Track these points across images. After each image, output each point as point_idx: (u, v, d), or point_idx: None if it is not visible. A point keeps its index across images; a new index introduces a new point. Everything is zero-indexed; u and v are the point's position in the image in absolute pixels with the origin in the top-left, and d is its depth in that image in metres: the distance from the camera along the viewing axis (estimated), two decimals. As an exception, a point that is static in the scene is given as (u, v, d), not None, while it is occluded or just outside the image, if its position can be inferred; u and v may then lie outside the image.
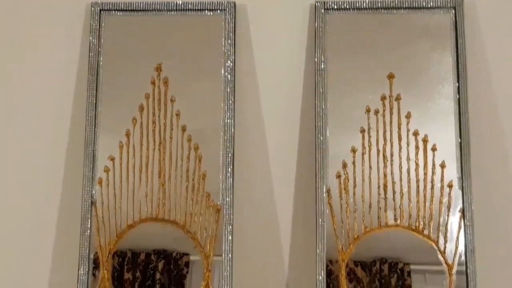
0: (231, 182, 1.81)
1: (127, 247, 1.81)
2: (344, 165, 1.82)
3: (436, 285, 1.78)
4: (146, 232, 1.82)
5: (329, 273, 1.77)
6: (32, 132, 1.92)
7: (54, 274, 1.87)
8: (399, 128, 1.83)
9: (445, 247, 1.78)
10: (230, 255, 1.78)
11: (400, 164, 1.81)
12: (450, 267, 1.77)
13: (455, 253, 1.77)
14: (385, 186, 1.81)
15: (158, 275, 1.80)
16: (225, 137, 1.83)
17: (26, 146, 1.92)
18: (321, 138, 1.82)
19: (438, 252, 1.78)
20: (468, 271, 1.75)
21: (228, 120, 1.84)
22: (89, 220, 1.81)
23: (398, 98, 1.83)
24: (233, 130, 1.84)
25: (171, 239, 1.82)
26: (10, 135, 1.93)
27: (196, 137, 1.84)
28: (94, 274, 1.79)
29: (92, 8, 1.90)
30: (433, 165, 1.81)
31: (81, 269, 1.78)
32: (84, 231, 1.80)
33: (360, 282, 1.78)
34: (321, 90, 1.83)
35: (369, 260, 1.79)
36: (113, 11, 1.90)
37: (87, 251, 1.79)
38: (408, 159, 1.82)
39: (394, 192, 1.80)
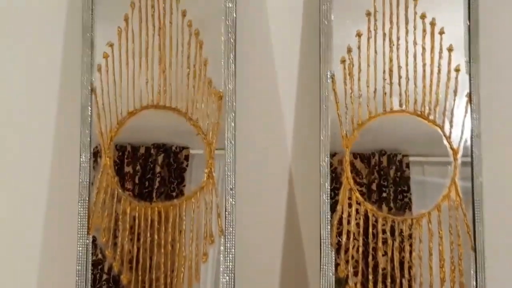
0: (233, 69, 1.77)
1: (128, 137, 1.79)
2: (349, 50, 1.77)
3: (434, 175, 1.76)
4: (147, 120, 1.79)
5: (330, 164, 1.76)
6: (27, 18, 1.87)
7: (55, 162, 1.86)
8: (406, 11, 1.77)
9: (450, 132, 1.75)
10: (233, 142, 1.76)
11: (407, 48, 1.76)
12: (455, 152, 1.75)
13: (461, 138, 1.75)
14: (390, 71, 1.76)
15: (158, 169, 1.79)
16: (227, 22, 1.78)
17: (23, 31, 1.87)
18: (326, 22, 1.76)
19: (443, 137, 1.75)
20: (473, 156, 1.74)
21: (230, 5, 1.78)
22: (89, 108, 1.78)
23: (405, -20, 1.77)
24: (234, 15, 1.78)
25: (172, 130, 1.79)
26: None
27: (197, 22, 1.79)
28: (96, 161, 1.78)
29: None
30: (441, 49, 1.76)
31: (83, 157, 1.76)
32: (84, 119, 1.77)
33: (359, 174, 1.77)
34: (325, -28, 1.77)
35: (368, 152, 1.77)
36: None
37: (88, 139, 1.77)
38: (415, 43, 1.76)
39: (400, 77, 1.76)
